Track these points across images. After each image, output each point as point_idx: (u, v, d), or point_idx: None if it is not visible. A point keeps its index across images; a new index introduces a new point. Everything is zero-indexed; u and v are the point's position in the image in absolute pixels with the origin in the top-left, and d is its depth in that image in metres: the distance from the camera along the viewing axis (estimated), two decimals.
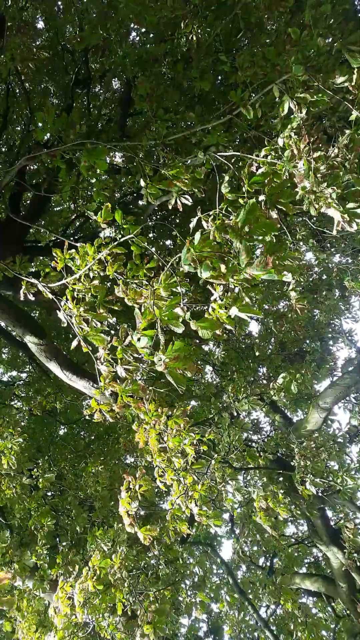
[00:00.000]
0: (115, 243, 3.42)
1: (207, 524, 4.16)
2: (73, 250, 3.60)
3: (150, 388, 3.95)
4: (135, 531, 3.70)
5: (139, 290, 3.40)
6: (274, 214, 2.97)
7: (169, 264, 3.30)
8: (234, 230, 2.75)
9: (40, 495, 7.35)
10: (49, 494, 8.47)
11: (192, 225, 3.93)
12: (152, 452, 4.13)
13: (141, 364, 3.54)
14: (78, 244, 3.88)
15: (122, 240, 3.45)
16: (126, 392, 3.50)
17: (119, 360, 3.51)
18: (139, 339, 3.24)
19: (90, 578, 4.90)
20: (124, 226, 3.43)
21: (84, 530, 8.20)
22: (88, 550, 7.26)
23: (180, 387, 3.17)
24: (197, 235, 3.00)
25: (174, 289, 3.27)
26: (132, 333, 3.30)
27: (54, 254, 3.69)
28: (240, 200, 3.23)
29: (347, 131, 3.33)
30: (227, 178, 3.34)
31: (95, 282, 3.55)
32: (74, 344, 3.67)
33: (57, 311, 3.73)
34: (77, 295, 3.65)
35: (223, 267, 2.87)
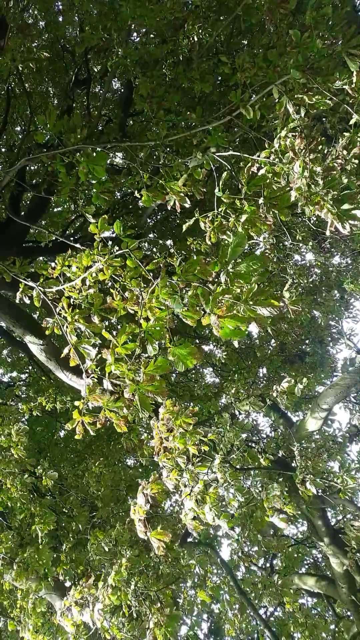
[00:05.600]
0: (112, 255, 3.40)
1: (208, 526, 4.16)
2: (71, 258, 3.59)
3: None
4: (147, 537, 3.66)
5: (136, 293, 3.37)
6: (270, 218, 2.97)
7: (157, 280, 3.26)
8: (220, 262, 2.72)
9: (47, 502, 7.36)
10: (49, 495, 8.47)
11: (185, 227, 3.95)
12: (159, 455, 4.09)
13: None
14: (77, 245, 3.87)
15: (118, 253, 3.42)
16: (110, 406, 3.41)
17: (107, 374, 3.41)
18: (114, 360, 3.18)
19: (107, 594, 4.90)
20: (122, 239, 3.41)
21: (85, 530, 8.20)
22: (89, 550, 7.26)
23: (145, 410, 3.13)
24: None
25: (165, 299, 3.20)
26: (110, 353, 3.23)
27: (55, 262, 3.68)
28: (238, 203, 3.23)
29: (348, 133, 3.33)
30: (222, 181, 3.33)
31: (91, 290, 3.52)
32: (65, 351, 3.64)
33: (57, 315, 3.72)
34: (73, 302, 3.62)
35: (203, 301, 2.86)
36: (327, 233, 2.92)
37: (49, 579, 6.91)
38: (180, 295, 3.13)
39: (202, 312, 3.05)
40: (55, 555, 7.65)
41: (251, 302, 2.75)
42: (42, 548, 6.86)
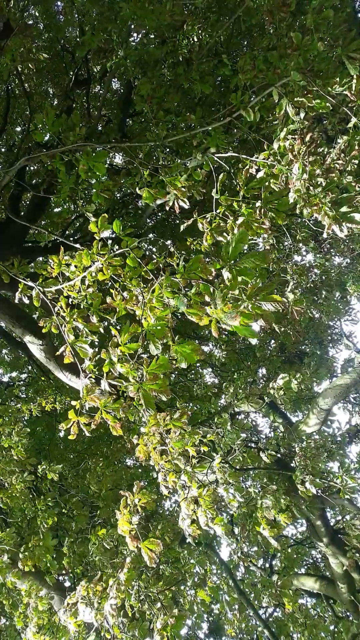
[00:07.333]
0: (112, 255, 3.40)
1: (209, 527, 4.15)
2: (68, 257, 3.58)
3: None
4: (138, 548, 3.66)
5: (136, 293, 3.37)
6: (267, 222, 2.97)
7: (159, 278, 3.26)
8: (222, 259, 2.73)
9: (52, 496, 7.38)
10: (49, 492, 8.48)
11: (183, 227, 3.95)
12: (154, 459, 4.08)
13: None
14: (77, 245, 3.87)
15: (118, 252, 3.42)
16: (107, 408, 3.39)
17: (105, 375, 3.41)
18: (118, 359, 3.18)
19: (120, 591, 4.90)
20: (122, 238, 3.40)
21: (85, 529, 8.21)
22: (90, 550, 7.27)
23: (150, 409, 3.13)
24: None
25: (168, 297, 3.20)
26: (114, 352, 3.23)
27: (49, 260, 3.68)
28: (235, 205, 3.23)
29: (348, 134, 3.33)
30: (219, 183, 3.34)
31: (91, 289, 3.51)
32: (61, 349, 3.64)
33: (56, 315, 3.72)
34: (72, 301, 3.62)
35: (207, 297, 2.85)
36: (325, 235, 2.93)
37: (52, 572, 6.91)
38: (183, 294, 3.14)
39: (205, 311, 3.06)
40: (55, 555, 7.66)
41: (256, 298, 2.75)
42: (46, 534, 6.88)
